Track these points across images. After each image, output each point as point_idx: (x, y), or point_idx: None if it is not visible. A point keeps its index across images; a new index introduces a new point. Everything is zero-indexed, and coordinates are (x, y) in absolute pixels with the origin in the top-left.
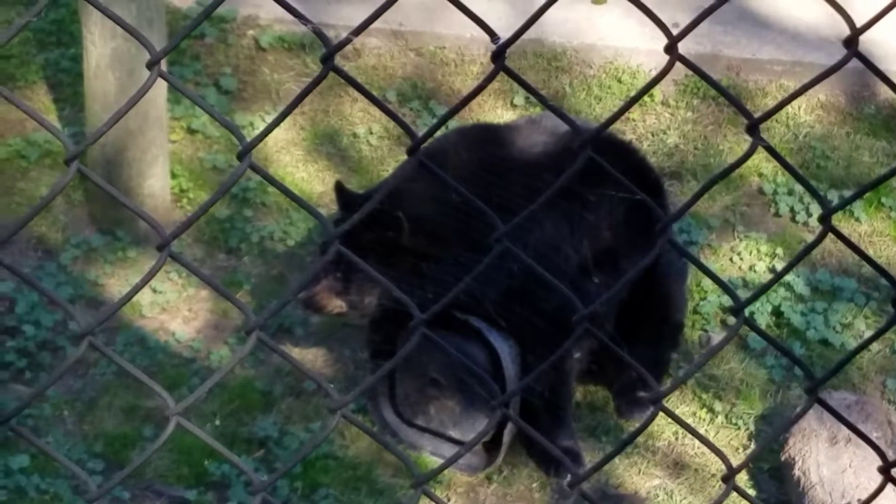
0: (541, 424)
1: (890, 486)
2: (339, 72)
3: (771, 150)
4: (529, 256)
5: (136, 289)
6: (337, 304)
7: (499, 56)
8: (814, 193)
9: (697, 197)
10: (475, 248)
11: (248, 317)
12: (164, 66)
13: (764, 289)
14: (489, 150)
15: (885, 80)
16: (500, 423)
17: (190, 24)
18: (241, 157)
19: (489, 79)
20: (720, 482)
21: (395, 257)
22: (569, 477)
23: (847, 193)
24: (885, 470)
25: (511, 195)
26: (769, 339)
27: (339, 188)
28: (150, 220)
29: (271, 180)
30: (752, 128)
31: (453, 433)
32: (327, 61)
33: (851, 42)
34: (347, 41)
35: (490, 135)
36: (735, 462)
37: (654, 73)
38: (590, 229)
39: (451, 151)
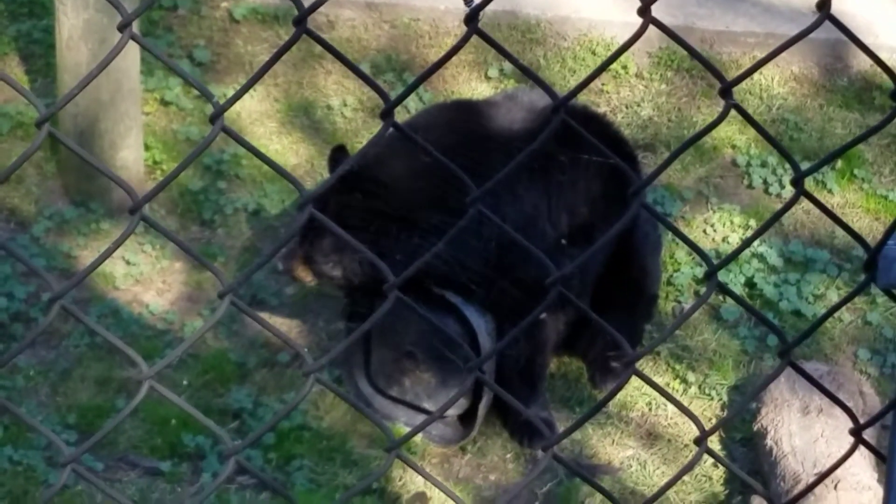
0: (515, 394)
1: (861, 454)
2: (311, 34)
3: (743, 113)
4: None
5: (109, 252)
6: (312, 276)
7: (472, 19)
8: (787, 157)
9: (670, 161)
10: (452, 216)
11: (221, 281)
12: (135, 28)
13: (735, 254)
14: (468, 125)
15: (856, 41)
16: (475, 396)
17: None
18: (213, 120)
19: (463, 41)
20: (693, 450)
21: (372, 225)
22: (541, 445)
23: None
24: (856, 432)
25: (491, 170)
26: (741, 302)
27: (338, 153)
28: (122, 184)
29: (243, 142)
30: (725, 91)
31: (428, 405)
32: (300, 24)
33: (824, 5)
34: (320, 3)
35: (469, 110)
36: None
37: None
38: (567, 205)
39: (430, 127)
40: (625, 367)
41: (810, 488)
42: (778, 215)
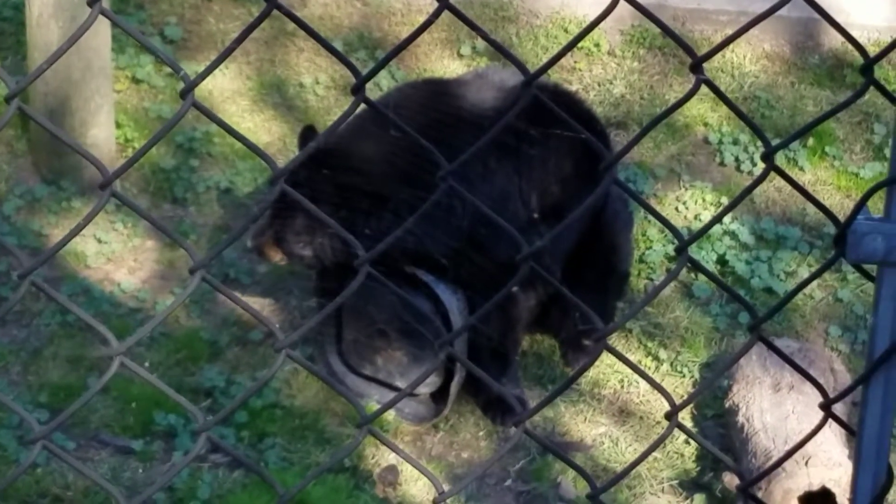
0: (488, 371)
1: (831, 430)
2: (282, 8)
3: (714, 88)
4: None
5: (79, 227)
6: (282, 255)
7: None
8: (757, 132)
9: (640, 136)
10: (423, 192)
11: (193, 257)
12: (105, 3)
13: (705, 228)
14: (439, 103)
15: (826, 16)
16: (447, 375)
17: None
18: (183, 95)
19: (434, 15)
20: (664, 424)
21: (343, 201)
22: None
23: (792, 143)
24: (826, 406)
25: (462, 147)
26: (712, 277)
27: (307, 132)
28: (92, 159)
29: (214, 118)
30: (696, 66)
31: (400, 383)
32: None
33: None
34: None
35: (439, 89)
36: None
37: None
38: (538, 182)
39: (400, 104)
40: (596, 343)
41: (779, 463)
42: (748, 190)
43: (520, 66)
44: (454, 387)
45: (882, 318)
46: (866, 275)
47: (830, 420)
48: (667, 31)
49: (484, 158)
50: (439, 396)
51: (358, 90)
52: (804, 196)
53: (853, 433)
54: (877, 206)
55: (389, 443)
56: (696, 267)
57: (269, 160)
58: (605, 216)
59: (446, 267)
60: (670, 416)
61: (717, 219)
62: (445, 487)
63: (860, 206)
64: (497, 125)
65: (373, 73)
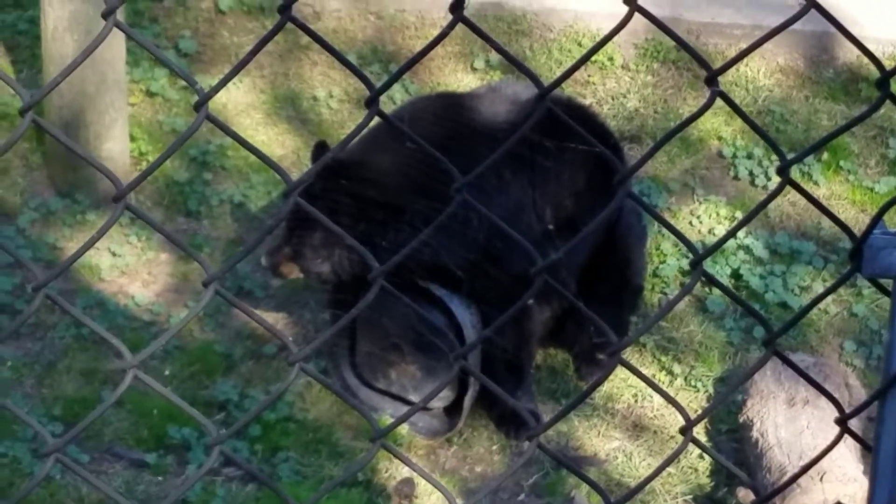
0: (501, 385)
1: (846, 445)
2: (296, 21)
3: (729, 101)
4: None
5: (93, 240)
6: (298, 271)
7: (457, 6)
8: (773, 146)
9: (655, 149)
10: (438, 205)
11: (206, 270)
12: (120, 16)
13: (721, 242)
14: (452, 117)
15: (842, 30)
16: (461, 388)
17: None
18: (197, 108)
19: (448, 28)
20: (679, 442)
21: (358, 214)
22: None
23: (807, 157)
24: (841, 421)
25: (475, 161)
26: (727, 291)
27: (320, 148)
28: (106, 172)
29: (228, 131)
30: (711, 79)
31: (413, 397)
32: (285, 11)
33: None
34: None
35: (453, 102)
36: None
37: (614, 38)
38: (552, 195)
39: (414, 118)
40: (610, 357)
41: (794, 478)
42: (764, 204)
43: (534, 79)
44: (468, 401)
45: None
46: (882, 289)
47: (846, 435)
48: (682, 44)
49: (499, 171)
50: (453, 410)
51: (372, 103)
52: (820, 210)
53: (869, 449)
54: (893, 220)
55: (403, 457)
56: (711, 281)
57: (282, 173)
58: (619, 229)
59: (461, 279)
60: (685, 430)
61: (733, 233)
62: (459, 501)
63: (876, 220)
64: (512, 138)
65: (387, 85)
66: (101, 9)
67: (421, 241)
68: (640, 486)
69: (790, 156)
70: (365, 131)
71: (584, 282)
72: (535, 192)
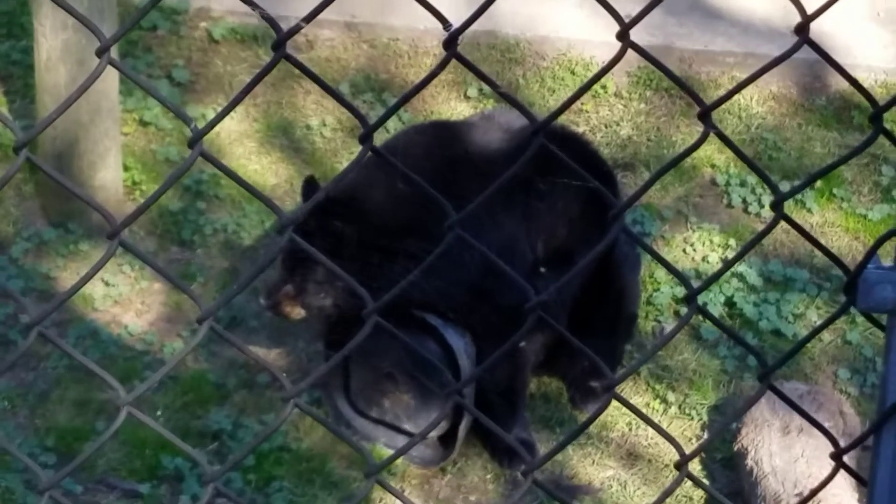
0: (495, 416)
1: (841, 475)
2: (291, 59)
3: (723, 137)
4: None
5: (87, 277)
6: (299, 311)
7: (451, 43)
8: (766, 180)
9: (650, 184)
10: (432, 243)
11: (200, 306)
12: (114, 53)
13: (715, 276)
14: (445, 148)
15: (836, 66)
16: (455, 417)
17: (140, 10)
18: (191, 144)
19: (441, 66)
20: (673, 471)
21: (353, 252)
22: (522, 467)
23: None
24: (836, 456)
25: (469, 192)
26: (722, 327)
27: (309, 185)
28: (99, 209)
29: (222, 167)
30: (704, 115)
31: (408, 426)
32: (279, 48)
33: (803, 29)
34: (298, 28)
35: (446, 132)
36: (687, 451)
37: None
38: (546, 228)
39: (407, 150)
40: (605, 390)
41: None
42: (757, 239)
43: (528, 114)
44: (462, 430)
45: (893, 366)
46: (877, 324)
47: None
48: (674, 79)
49: (492, 205)
50: (447, 439)
51: (366, 139)
52: (812, 244)
53: (864, 483)
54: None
55: (397, 493)
56: (705, 315)
57: (276, 209)
58: (614, 259)
59: (454, 317)
60: (680, 466)
61: (727, 267)
62: None
63: (871, 254)
64: (505, 175)
65: (380, 122)
66: (94, 39)
67: (414, 278)
68: None
69: (783, 185)
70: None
71: (578, 311)
72: (529, 223)
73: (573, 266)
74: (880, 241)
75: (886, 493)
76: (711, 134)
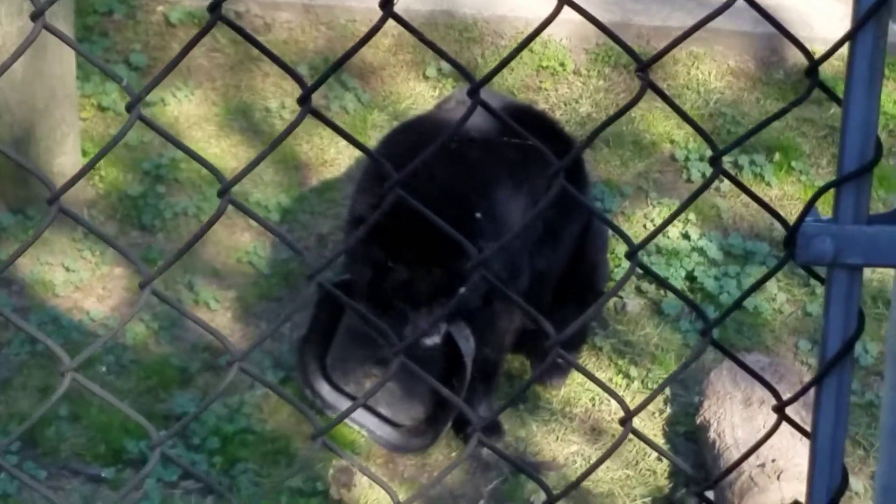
0: (473, 393)
1: (803, 443)
2: (225, 19)
3: (658, 92)
4: (500, 235)
5: (28, 244)
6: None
7: (387, 3)
8: (704, 136)
9: (590, 140)
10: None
11: (143, 272)
12: (69, 30)
13: (658, 230)
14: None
15: (774, 22)
16: (435, 408)
17: None
18: (129, 108)
19: (380, 23)
20: (637, 441)
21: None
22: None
23: (757, 158)
24: (779, 409)
25: (481, 172)
26: (664, 283)
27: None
28: (39, 175)
29: (161, 132)
30: (641, 70)
31: (383, 411)
32: (214, 10)
33: None
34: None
35: (432, 124)
36: (650, 425)
37: (565, 43)
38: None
39: (404, 155)
40: (549, 348)
41: (735, 465)
42: (697, 194)
43: (466, 74)
44: (443, 431)
45: (833, 320)
46: (817, 277)
47: (801, 436)
48: (612, 36)
49: (505, 190)
50: (421, 430)
51: (304, 101)
52: (750, 198)
53: (808, 435)
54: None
55: (343, 453)
56: (645, 270)
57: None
58: (589, 237)
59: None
60: (624, 421)
61: (669, 220)
62: (401, 496)
63: (808, 207)
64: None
65: (318, 83)
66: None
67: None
68: (584, 476)
69: (742, 158)
70: (360, 175)
71: (556, 287)
72: (528, 202)
73: (560, 243)
74: (818, 194)
75: (828, 445)
76: (670, 109)
